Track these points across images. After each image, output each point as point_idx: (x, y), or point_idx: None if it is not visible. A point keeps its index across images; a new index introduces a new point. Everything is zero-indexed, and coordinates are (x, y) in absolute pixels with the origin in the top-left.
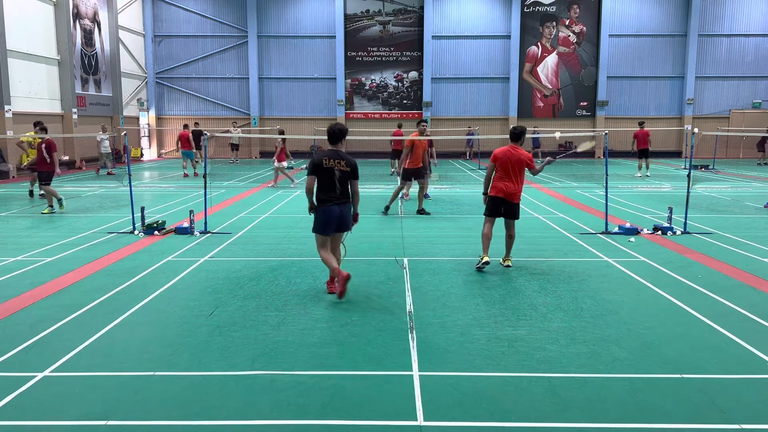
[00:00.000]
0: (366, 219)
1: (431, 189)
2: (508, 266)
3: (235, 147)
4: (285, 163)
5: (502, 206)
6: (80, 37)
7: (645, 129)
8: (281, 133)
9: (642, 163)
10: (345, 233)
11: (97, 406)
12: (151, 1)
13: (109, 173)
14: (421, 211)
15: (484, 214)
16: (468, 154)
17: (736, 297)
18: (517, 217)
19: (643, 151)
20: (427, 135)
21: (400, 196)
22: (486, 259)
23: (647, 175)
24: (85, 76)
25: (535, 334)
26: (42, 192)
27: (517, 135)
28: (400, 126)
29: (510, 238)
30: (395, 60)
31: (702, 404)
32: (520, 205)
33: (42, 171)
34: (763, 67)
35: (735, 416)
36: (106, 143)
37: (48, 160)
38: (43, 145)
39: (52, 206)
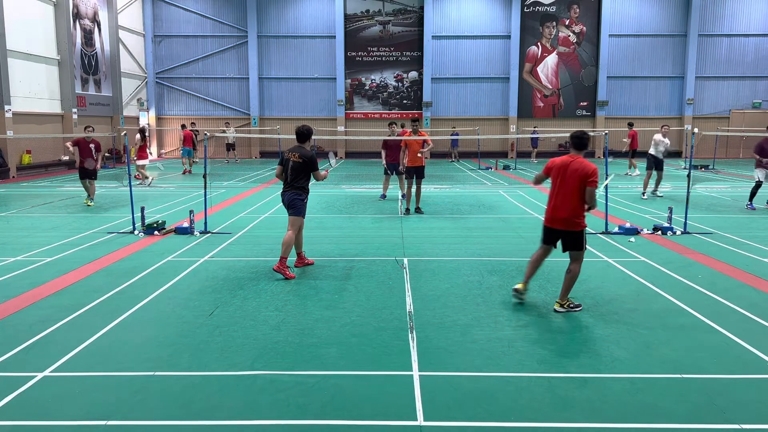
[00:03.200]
0: (366, 219)
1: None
2: (555, 310)
3: (230, 147)
4: (145, 161)
5: (554, 236)
6: (80, 37)
7: (634, 129)
8: (141, 131)
9: (634, 162)
10: (297, 216)
11: (97, 406)
12: (151, 1)
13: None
14: (417, 210)
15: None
16: (453, 155)
17: (736, 297)
18: (578, 248)
19: (634, 150)
20: (398, 135)
21: (400, 195)
22: (520, 287)
23: (638, 174)
24: (85, 76)
25: (535, 334)
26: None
27: (581, 142)
28: (402, 126)
29: (568, 272)
30: (395, 60)
31: (702, 404)
32: (579, 223)
33: (91, 168)
34: (763, 67)
35: (735, 416)
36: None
37: (95, 157)
38: (92, 145)
39: (92, 197)
